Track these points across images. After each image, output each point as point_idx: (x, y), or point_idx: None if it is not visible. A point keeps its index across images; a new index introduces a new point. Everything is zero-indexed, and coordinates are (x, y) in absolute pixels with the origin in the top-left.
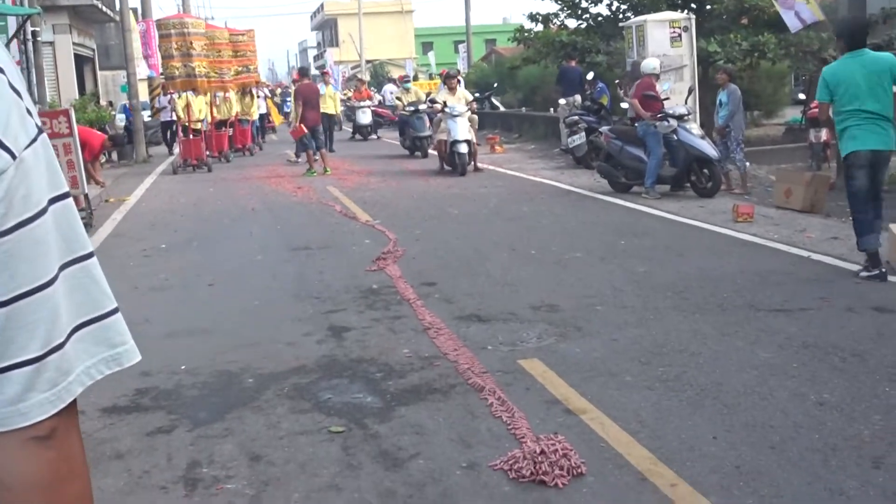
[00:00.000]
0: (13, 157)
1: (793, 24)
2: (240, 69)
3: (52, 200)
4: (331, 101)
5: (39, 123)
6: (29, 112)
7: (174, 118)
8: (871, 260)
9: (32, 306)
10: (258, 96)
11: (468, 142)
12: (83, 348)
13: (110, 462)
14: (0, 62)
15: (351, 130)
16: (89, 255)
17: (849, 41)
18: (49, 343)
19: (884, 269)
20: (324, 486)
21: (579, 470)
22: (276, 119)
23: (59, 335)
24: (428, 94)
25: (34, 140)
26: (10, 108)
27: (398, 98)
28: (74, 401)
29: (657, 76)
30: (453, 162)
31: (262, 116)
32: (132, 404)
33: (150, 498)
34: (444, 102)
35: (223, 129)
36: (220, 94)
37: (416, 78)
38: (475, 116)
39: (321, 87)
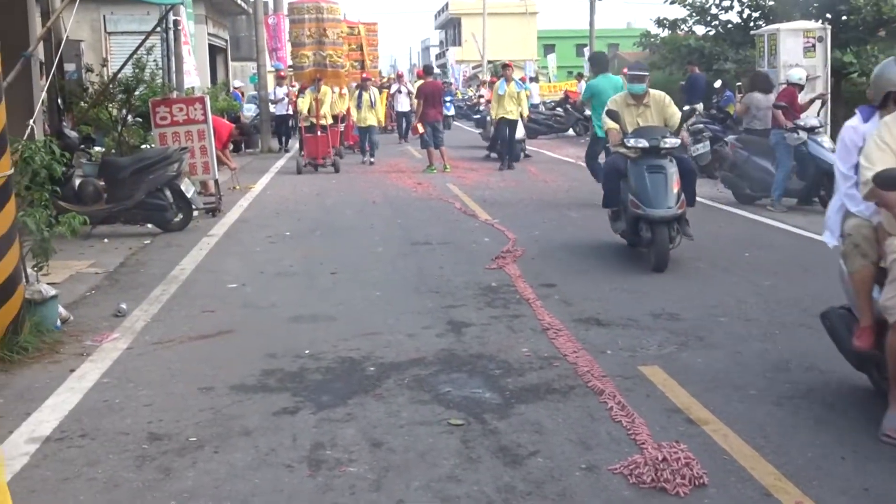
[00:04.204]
0: None
1: None
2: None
3: None
4: (512, 103)
5: None
6: None
7: (289, 112)
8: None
9: None
10: (400, 92)
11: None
12: None
13: (239, 438)
14: None
15: (487, 147)
16: None
17: (598, 67)
18: None
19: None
20: (443, 477)
21: (701, 480)
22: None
23: None
24: (570, 102)
25: None
26: None
27: (612, 113)
28: None
29: (801, 87)
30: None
31: (406, 114)
32: (259, 384)
33: (277, 475)
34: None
35: (336, 124)
36: (337, 88)
37: (536, 79)
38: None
39: (501, 84)
